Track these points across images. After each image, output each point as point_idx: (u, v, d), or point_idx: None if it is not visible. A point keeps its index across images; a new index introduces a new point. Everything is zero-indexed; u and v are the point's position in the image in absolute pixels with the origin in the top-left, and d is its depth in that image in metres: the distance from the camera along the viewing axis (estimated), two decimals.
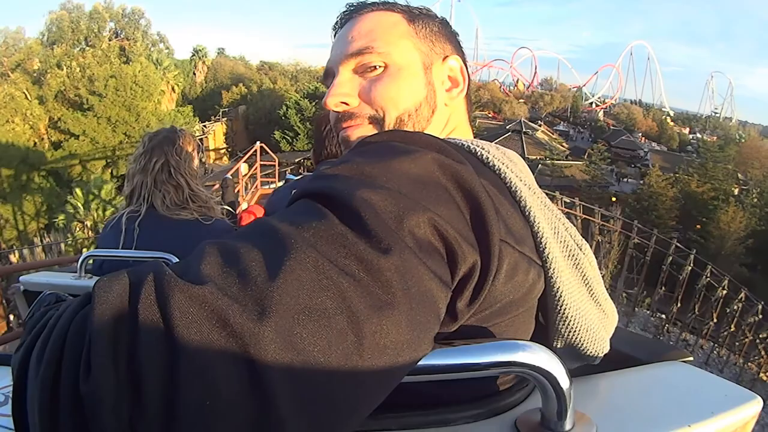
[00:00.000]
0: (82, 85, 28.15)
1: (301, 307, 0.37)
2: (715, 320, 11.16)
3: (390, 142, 0.54)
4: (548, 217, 0.63)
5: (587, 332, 0.63)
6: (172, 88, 37.22)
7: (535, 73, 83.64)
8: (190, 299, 0.35)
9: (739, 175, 33.45)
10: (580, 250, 0.65)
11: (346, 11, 0.79)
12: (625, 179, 39.00)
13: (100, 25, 34.19)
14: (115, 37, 35.50)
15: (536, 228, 0.59)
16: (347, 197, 0.44)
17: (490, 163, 0.62)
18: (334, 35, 0.80)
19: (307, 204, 0.46)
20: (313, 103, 33.25)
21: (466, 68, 0.81)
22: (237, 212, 3.83)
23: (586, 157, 36.33)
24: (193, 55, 57.61)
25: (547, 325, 0.64)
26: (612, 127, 55.90)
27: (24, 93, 29.43)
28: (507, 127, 42.14)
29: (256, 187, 10.67)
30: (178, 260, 1.35)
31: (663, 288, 11.83)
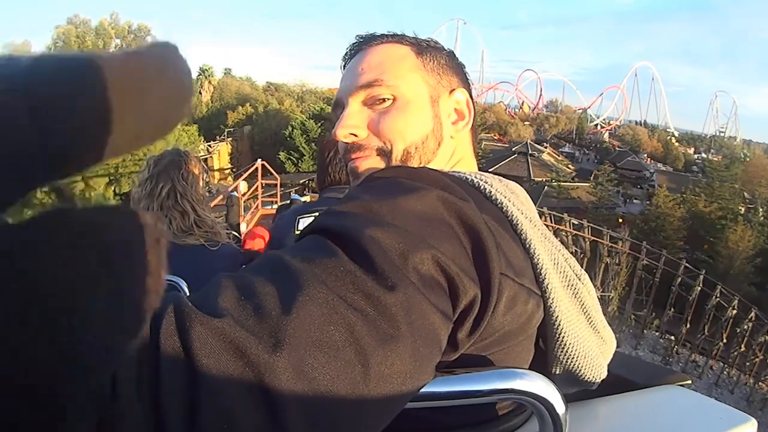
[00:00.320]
0: None
1: (313, 339, 0.39)
2: (724, 340, 11.08)
3: (396, 179, 0.57)
4: (548, 249, 0.65)
5: (585, 359, 0.66)
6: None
7: (541, 95, 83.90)
8: (210, 331, 0.37)
9: (745, 194, 33.36)
10: (579, 280, 0.67)
11: (356, 43, 0.82)
12: (632, 200, 38.95)
13: (106, 41, 34.54)
14: None
15: (536, 260, 0.61)
16: (356, 235, 0.46)
17: (493, 197, 0.64)
18: (344, 66, 0.83)
19: (318, 240, 0.49)
20: (319, 124, 33.39)
21: (472, 101, 0.83)
22: (240, 234, 3.82)
23: (592, 178, 36.30)
24: (200, 74, 57.87)
25: (546, 351, 0.66)
26: (617, 149, 56.03)
27: None
28: (513, 149, 42.18)
29: (257, 207, 10.40)
30: (185, 284, 1.35)
31: (672, 309, 11.78)
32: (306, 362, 0.38)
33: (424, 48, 0.80)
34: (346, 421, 0.39)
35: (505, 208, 0.64)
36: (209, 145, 36.78)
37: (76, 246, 0.25)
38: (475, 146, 0.86)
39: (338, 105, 0.81)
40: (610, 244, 12.70)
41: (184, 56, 0.28)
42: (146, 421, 0.34)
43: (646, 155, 58.17)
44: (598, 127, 74.87)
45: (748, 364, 10.93)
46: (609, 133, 72.07)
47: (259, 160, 10.68)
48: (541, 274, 0.61)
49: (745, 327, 10.65)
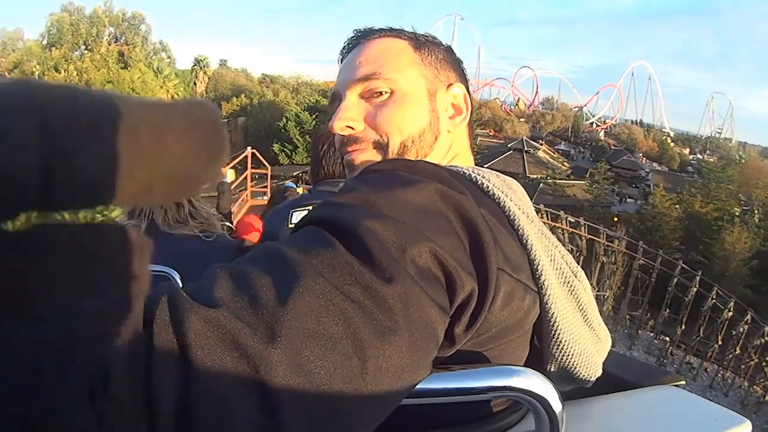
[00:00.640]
0: None
1: (309, 331, 0.39)
2: (719, 342, 11.15)
3: (394, 171, 0.57)
4: (545, 245, 0.66)
5: (581, 356, 0.67)
6: (172, 98, 37.30)
7: (537, 92, 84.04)
8: (205, 322, 0.37)
9: (741, 195, 33.56)
10: (575, 276, 0.68)
11: (354, 37, 0.82)
12: (627, 200, 39.12)
13: (100, 29, 34.28)
14: (115, 42, 35.56)
15: (533, 255, 0.62)
16: (353, 226, 0.47)
17: (490, 192, 0.65)
18: (341, 60, 0.83)
19: (315, 231, 0.49)
20: (314, 116, 33.29)
21: (470, 96, 0.84)
22: (232, 223, 3.77)
23: (588, 176, 36.44)
24: (195, 65, 57.64)
25: (541, 348, 0.67)
26: (613, 147, 56.31)
27: None
28: (509, 146, 42.32)
29: (246, 198, 10.06)
30: (178, 275, 1.36)
31: (668, 310, 11.83)
32: (302, 354, 0.38)
33: (422, 42, 0.81)
34: (342, 415, 0.39)
35: (502, 203, 0.64)
36: None
37: (62, 253, 0.31)
38: (472, 141, 0.87)
39: (335, 98, 0.82)
40: (607, 243, 12.74)
41: (221, 120, 0.27)
42: (139, 414, 0.34)
43: (641, 154, 58.53)
44: (594, 125, 75.11)
45: (743, 366, 11.00)
46: (605, 131, 72.40)
47: (249, 148, 10.36)
48: (537, 270, 0.62)
49: (741, 329, 10.72)
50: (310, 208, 1.77)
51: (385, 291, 0.43)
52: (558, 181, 35.27)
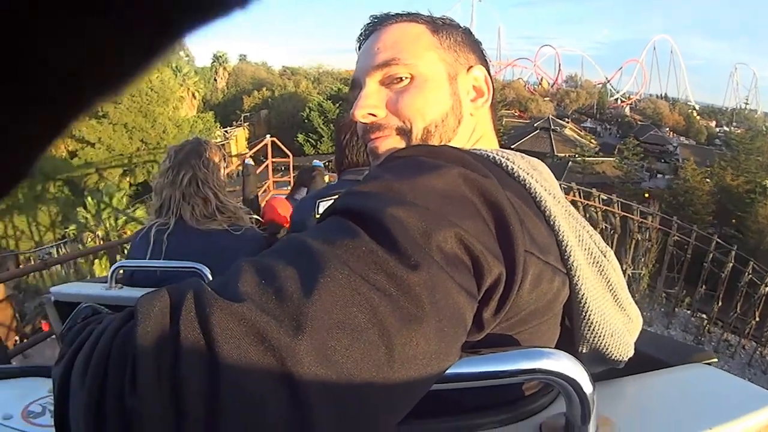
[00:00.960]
0: None
1: (335, 322, 0.39)
2: (757, 319, 10.93)
3: (417, 157, 0.57)
4: (572, 225, 0.66)
5: (612, 337, 0.67)
6: (193, 95, 37.43)
7: (559, 70, 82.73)
8: (230, 316, 0.38)
9: None
10: (604, 256, 0.68)
11: (371, 23, 0.82)
12: (658, 175, 38.45)
13: None
14: None
15: (561, 236, 0.62)
16: (377, 215, 0.47)
17: (515, 174, 0.65)
18: (359, 47, 0.83)
19: (339, 221, 0.49)
20: (337, 105, 33.25)
21: (491, 78, 0.83)
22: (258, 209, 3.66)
23: (616, 152, 35.87)
24: (214, 61, 57.96)
25: (572, 330, 0.67)
26: (639, 123, 55.24)
27: None
28: (535, 125, 41.83)
29: (267, 188, 9.69)
30: (208, 270, 1.40)
31: (704, 287, 11.63)
32: (329, 345, 0.38)
33: (440, 26, 0.81)
34: (371, 404, 0.40)
35: (528, 185, 0.64)
36: (226, 131, 36.76)
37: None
38: (495, 123, 0.87)
39: (355, 85, 0.82)
40: (641, 220, 12.53)
41: None
42: (167, 409, 0.35)
43: (668, 129, 57.33)
44: (619, 101, 73.81)
45: None
46: (630, 107, 71.06)
47: (268, 136, 10.09)
48: (566, 251, 0.62)
49: None
50: (336, 197, 1.77)
51: (410, 278, 0.43)
52: (587, 158, 34.80)
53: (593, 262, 0.66)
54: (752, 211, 24.50)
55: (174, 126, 28.26)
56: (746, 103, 71.36)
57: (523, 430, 0.62)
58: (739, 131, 48.36)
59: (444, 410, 0.60)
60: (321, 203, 1.81)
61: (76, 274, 8.25)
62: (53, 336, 3.86)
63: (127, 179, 27.91)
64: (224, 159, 1.95)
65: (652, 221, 12.85)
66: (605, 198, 12.77)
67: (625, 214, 12.33)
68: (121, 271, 1.76)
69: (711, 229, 19.99)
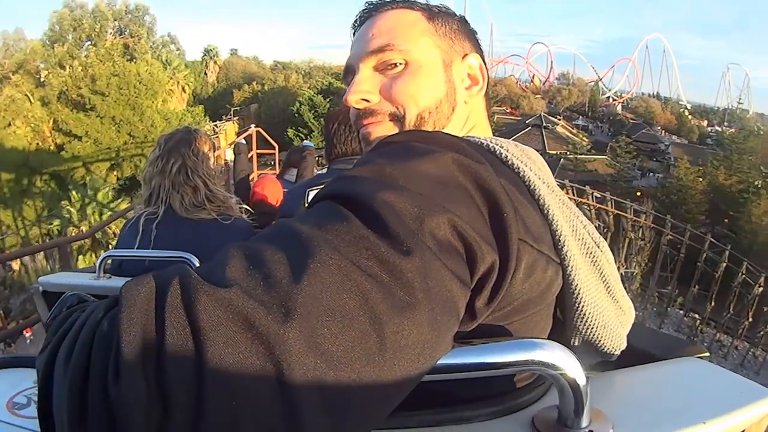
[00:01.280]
0: (84, 84, 28.02)
1: (325, 308, 0.38)
2: (750, 319, 11.01)
3: (410, 143, 0.57)
4: (566, 215, 0.65)
5: (605, 329, 0.67)
6: (183, 89, 37.20)
7: (551, 68, 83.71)
8: (216, 302, 0.37)
9: (761, 167, 33.14)
10: (598, 247, 0.68)
11: (366, 9, 0.82)
12: (651, 174, 38.85)
13: (103, 23, 34.39)
14: (119, 35, 35.67)
15: (554, 226, 0.62)
16: (368, 199, 0.46)
17: (509, 162, 0.64)
18: (354, 33, 0.83)
19: (330, 206, 0.48)
20: (327, 99, 33.35)
21: (485, 66, 0.84)
22: (248, 188, 3.68)
23: (608, 151, 36.22)
24: (205, 55, 58.03)
25: (564, 321, 0.67)
26: (631, 121, 56.13)
27: (26, 95, 29.55)
28: (527, 122, 42.19)
29: (252, 180, 9.45)
30: (197, 259, 1.41)
31: (696, 287, 11.71)
32: (318, 333, 0.37)
33: (436, 13, 0.81)
34: (361, 394, 0.39)
35: (521, 173, 0.64)
36: (215, 125, 36.73)
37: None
38: (489, 112, 0.87)
39: (349, 71, 0.82)
40: (634, 218, 12.59)
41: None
42: (152, 398, 0.34)
43: (659, 128, 58.40)
44: (611, 99, 74.58)
45: None
46: (622, 105, 72.08)
47: (253, 126, 9.93)
48: (559, 241, 0.62)
49: None
50: (327, 183, 1.78)
51: (402, 264, 0.42)
52: (579, 156, 35.08)
53: (587, 253, 0.66)
54: (745, 210, 24.77)
55: (162, 119, 28.11)
56: (740, 103, 72.28)
57: (515, 423, 0.62)
58: (730, 131, 49.12)
59: (435, 402, 0.59)
60: (311, 192, 1.82)
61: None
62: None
63: (115, 173, 27.72)
64: (214, 148, 1.96)
65: (645, 220, 12.91)
66: (598, 196, 12.83)
67: (619, 212, 12.39)
68: (110, 261, 1.75)
69: (703, 229, 20.17)
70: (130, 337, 0.36)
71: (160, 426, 0.34)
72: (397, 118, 0.77)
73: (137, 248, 1.76)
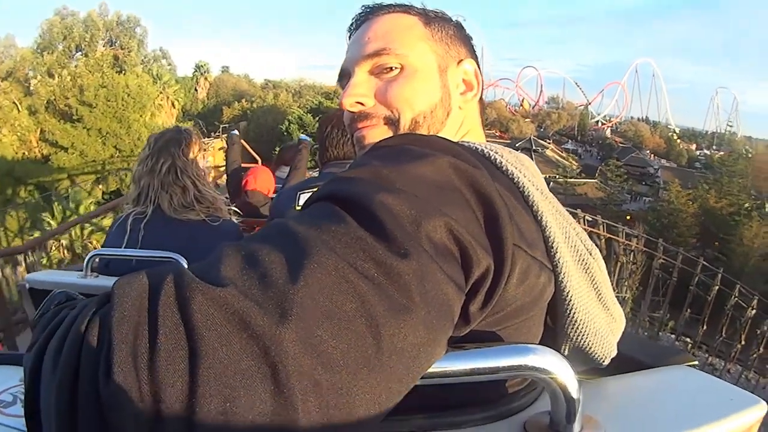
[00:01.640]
0: (72, 94, 27.80)
1: (321, 310, 0.38)
2: (743, 342, 11.02)
3: (405, 146, 0.57)
4: (560, 222, 0.66)
5: (595, 336, 0.68)
6: (172, 104, 37.07)
7: (541, 91, 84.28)
8: (212, 301, 0.37)
9: (751, 190, 33.62)
10: (590, 255, 0.69)
11: (362, 12, 0.83)
12: (642, 198, 39.29)
13: (94, 33, 34.37)
14: (110, 46, 35.64)
15: (548, 232, 0.62)
16: (366, 201, 0.46)
17: (504, 168, 0.65)
18: (350, 36, 0.84)
19: (326, 207, 0.49)
20: (317, 119, 33.42)
21: (480, 72, 0.85)
22: (241, 179, 3.80)
23: (598, 174, 36.61)
24: (195, 70, 58.08)
25: (555, 328, 0.68)
26: (620, 145, 56.91)
27: (14, 103, 29.29)
28: (516, 146, 42.55)
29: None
30: (185, 260, 1.43)
31: (688, 310, 11.73)
32: (314, 334, 0.37)
33: (432, 18, 0.82)
34: (356, 396, 0.39)
35: (516, 179, 0.64)
36: (204, 142, 36.69)
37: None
38: (483, 118, 0.88)
39: (344, 75, 0.83)
40: (626, 242, 12.63)
41: None
42: (144, 399, 0.34)
43: (648, 151, 59.25)
44: (600, 123, 75.54)
45: None
46: (611, 129, 73.03)
47: (236, 131, 9.70)
48: (552, 247, 0.62)
49: (765, 328, 10.62)
50: (322, 184, 1.78)
51: (399, 267, 0.42)
52: (569, 180, 35.40)
53: (579, 260, 0.67)
54: (737, 233, 24.98)
55: (150, 133, 27.92)
56: (729, 125, 73.39)
57: (507, 428, 0.62)
58: (719, 154, 49.92)
59: (427, 406, 0.60)
60: (302, 195, 1.84)
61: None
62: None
63: (100, 187, 27.45)
64: (204, 149, 1.97)
65: (637, 244, 12.95)
66: (590, 219, 12.88)
67: (611, 236, 12.43)
68: (97, 260, 1.76)
69: (694, 252, 20.30)
70: (122, 335, 0.36)
71: (152, 427, 0.34)
72: (392, 122, 0.78)
73: (125, 247, 1.76)
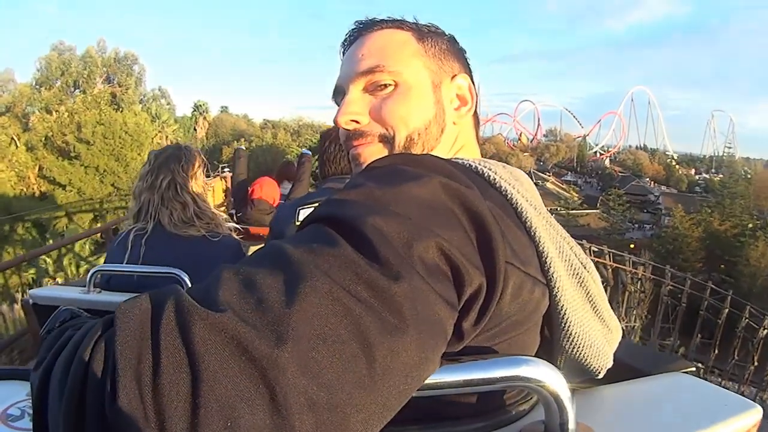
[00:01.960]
0: (70, 131, 27.85)
1: (316, 333, 0.40)
2: (755, 363, 10.90)
3: (398, 166, 0.58)
4: (553, 237, 0.67)
5: (591, 348, 0.68)
6: (171, 143, 37.53)
7: (539, 125, 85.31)
8: (211, 327, 0.39)
9: (753, 210, 33.69)
10: (584, 268, 0.69)
11: (356, 29, 0.84)
12: (644, 226, 39.39)
13: (92, 69, 34.74)
14: (108, 83, 35.97)
15: (541, 248, 0.63)
16: (358, 224, 0.48)
17: (497, 184, 0.66)
18: (343, 52, 0.85)
19: (320, 229, 0.50)
20: (316, 158, 33.75)
21: (474, 86, 0.86)
22: (248, 188, 4.04)
23: (599, 204, 36.79)
24: (194, 110, 58.65)
25: (551, 340, 0.68)
26: (620, 174, 57.38)
27: (12, 138, 29.40)
28: None
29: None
30: (186, 275, 1.44)
31: (699, 336, 11.64)
32: (310, 357, 0.39)
33: (425, 33, 0.83)
34: (351, 414, 0.40)
35: (509, 195, 0.65)
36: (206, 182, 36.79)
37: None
38: (478, 133, 0.89)
39: (338, 92, 0.84)
40: (633, 270, 12.57)
41: None
42: (148, 421, 0.36)
43: (648, 179, 59.71)
44: (598, 154, 76.25)
45: None
46: (610, 159, 73.77)
47: (227, 169, 9.60)
48: (546, 262, 0.63)
49: None
50: (317, 205, 1.82)
51: (392, 289, 0.44)
52: (571, 211, 35.53)
53: (573, 274, 0.68)
54: (743, 254, 24.89)
55: None
56: (729, 147, 73.84)
57: None
58: (719, 177, 50.18)
59: (421, 418, 0.60)
60: (301, 211, 1.86)
61: None
62: None
63: (98, 225, 27.41)
64: (204, 165, 2.00)
65: (643, 271, 12.90)
66: (596, 249, 12.85)
67: (618, 265, 12.39)
68: (99, 276, 1.78)
69: (701, 276, 20.24)
70: (126, 360, 0.38)
71: None
72: (387, 140, 0.79)
73: (126, 264, 1.78)
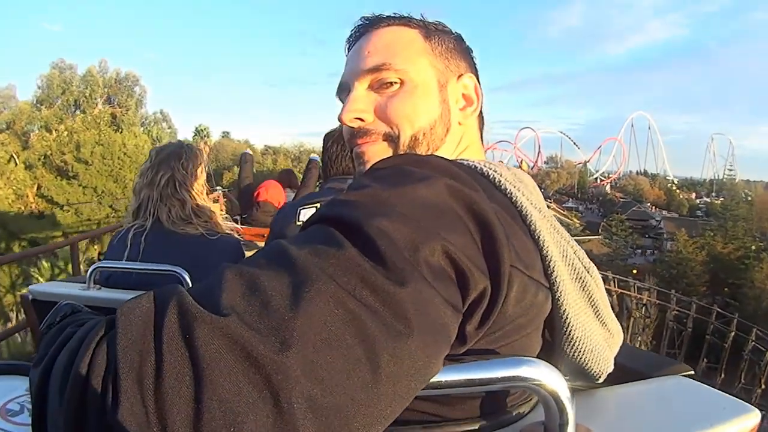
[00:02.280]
0: (68, 150, 27.82)
1: (321, 337, 0.40)
2: (762, 386, 10.82)
3: (403, 167, 0.58)
4: (557, 240, 0.68)
5: (592, 353, 0.69)
6: None
7: (539, 152, 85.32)
8: (214, 331, 0.38)
9: (756, 232, 33.65)
10: (587, 272, 0.70)
11: (362, 25, 0.83)
12: (648, 251, 39.39)
13: (93, 89, 34.85)
14: (108, 104, 36.07)
15: (545, 251, 0.64)
16: (364, 226, 0.48)
17: (502, 186, 0.66)
18: (348, 48, 0.85)
19: (325, 230, 0.50)
20: (318, 182, 33.81)
21: (480, 86, 0.85)
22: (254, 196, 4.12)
23: (601, 230, 36.82)
24: (195, 134, 58.77)
25: (553, 344, 0.69)
26: (621, 200, 57.54)
27: (12, 156, 29.33)
28: None
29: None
30: (187, 274, 1.49)
31: (705, 360, 11.56)
32: (314, 361, 0.39)
33: (432, 31, 0.82)
34: (354, 417, 0.40)
35: (514, 198, 0.65)
36: None
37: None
38: (483, 133, 0.88)
39: (343, 88, 0.84)
40: (638, 296, 12.50)
41: None
42: (149, 424, 0.36)
43: (649, 204, 60.04)
44: (599, 180, 76.49)
45: None
46: (610, 185, 73.93)
47: (220, 188, 9.64)
48: (549, 266, 0.63)
49: None
50: (318, 205, 1.86)
51: (398, 294, 0.44)
52: (573, 237, 35.70)
53: (576, 278, 0.68)
54: (747, 277, 24.78)
55: None
56: (731, 169, 73.89)
57: None
58: (719, 200, 50.29)
59: (423, 420, 0.61)
60: (303, 210, 1.88)
61: None
62: None
63: (95, 246, 27.30)
64: (206, 164, 2.01)
65: (648, 297, 12.83)
66: (601, 275, 12.79)
67: (623, 291, 12.32)
68: (99, 272, 1.78)
69: (705, 300, 20.16)
70: (128, 363, 0.38)
71: None
72: (392, 139, 0.79)
73: (126, 260, 1.79)
